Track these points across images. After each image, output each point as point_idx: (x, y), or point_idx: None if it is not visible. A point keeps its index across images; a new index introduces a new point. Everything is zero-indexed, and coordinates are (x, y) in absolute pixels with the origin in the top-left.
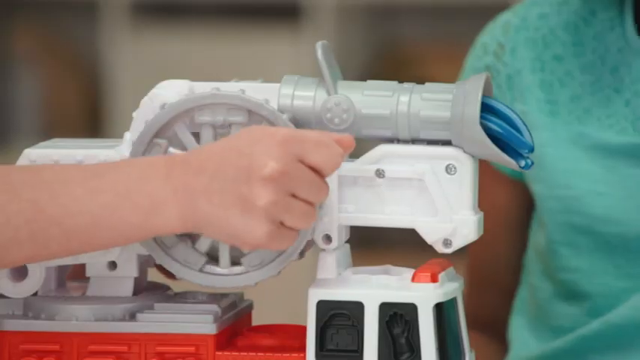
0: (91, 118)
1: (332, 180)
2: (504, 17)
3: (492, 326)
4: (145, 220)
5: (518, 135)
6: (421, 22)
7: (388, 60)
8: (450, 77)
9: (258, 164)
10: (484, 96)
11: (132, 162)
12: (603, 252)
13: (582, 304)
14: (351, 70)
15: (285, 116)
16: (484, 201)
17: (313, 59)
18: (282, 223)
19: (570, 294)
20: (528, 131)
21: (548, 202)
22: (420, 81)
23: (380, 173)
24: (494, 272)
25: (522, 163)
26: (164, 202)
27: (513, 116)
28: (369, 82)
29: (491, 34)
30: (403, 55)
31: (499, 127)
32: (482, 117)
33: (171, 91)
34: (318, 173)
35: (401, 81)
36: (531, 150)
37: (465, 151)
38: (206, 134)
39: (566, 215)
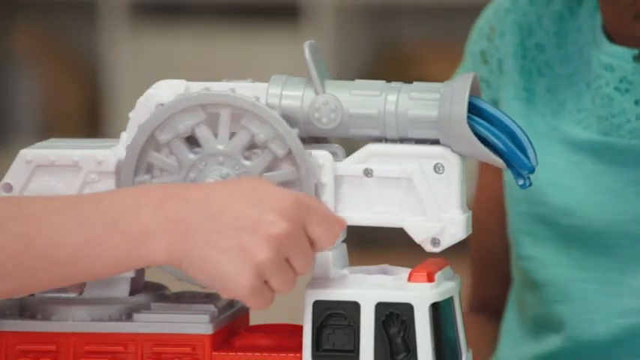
0: (91, 118)
1: (329, 179)
2: (498, 0)
3: (495, 308)
4: (132, 250)
5: (521, 155)
6: (421, 22)
7: (388, 60)
8: (450, 77)
9: (269, 219)
10: (487, 103)
11: (123, 192)
12: (559, 242)
13: (537, 293)
14: (350, 70)
15: (295, 131)
16: (479, 186)
17: None
18: (265, 282)
19: (529, 282)
20: (533, 149)
21: (513, 190)
22: (420, 81)
23: (368, 172)
24: (491, 254)
25: (521, 182)
26: (154, 232)
27: (518, 132)
28: (357, 81)
29: (486, 17)
30: (403, 55)
31: (502, 143)
32: (484, 128)
33: (167, 91)
34: (312, 245)
35: (389, 80)
36: (532, 172)
37: (452, 150)
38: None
39: (528, 205)
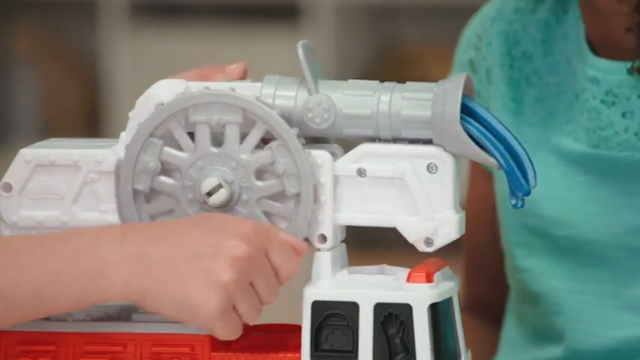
0: (91, 118)
1: (328, 179)
2: (485, 9)
3: (488, 311)
4: (91, 285)
5: (519, 176)
6: (421, 22)
7: (388, 60)
8: None
9: (230, 244)
10: (481, 106)
11: (82, 230)
12: (554, 254)
13: (535, 305)
14: (350, 70)
15: (314, 180)
16: (471, 188)
17: None
18: (233, 307)
19: (526, 294)
20: (533, 169)
21: (506, 201)
22: (420, 81)
23: (361, 172)
24: (482, 252)
25: (513, 201)
26: (112, 265)
27: (520, 152)
28: (351, 81)
29: (473, 26)
30: (403, 55)
31: (503, 159)
32: (487, 140)
33: (166, 91)
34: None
35: (382, 80)
36: (528, 194)
37: (445, 150)
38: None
39: (522, 216)
